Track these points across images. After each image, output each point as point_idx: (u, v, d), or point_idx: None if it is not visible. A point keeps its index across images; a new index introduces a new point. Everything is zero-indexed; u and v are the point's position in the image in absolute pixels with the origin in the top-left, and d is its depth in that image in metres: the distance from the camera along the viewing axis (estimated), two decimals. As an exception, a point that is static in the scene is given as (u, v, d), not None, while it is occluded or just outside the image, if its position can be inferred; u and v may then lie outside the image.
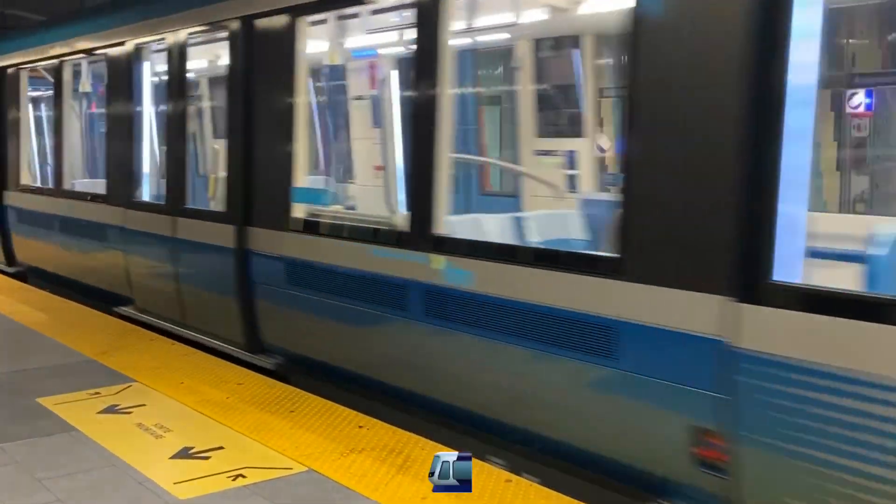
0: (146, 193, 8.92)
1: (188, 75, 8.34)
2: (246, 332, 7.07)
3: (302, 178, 6.68)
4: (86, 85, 11.28)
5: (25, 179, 12.03)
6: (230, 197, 7.28)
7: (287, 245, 6.58)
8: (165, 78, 8.47)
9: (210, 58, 9.54)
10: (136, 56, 8.86)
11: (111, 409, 5.68)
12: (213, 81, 11.01)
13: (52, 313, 8.85)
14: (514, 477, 4.50)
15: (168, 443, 5.06)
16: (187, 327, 7.88)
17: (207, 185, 10.14)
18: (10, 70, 12.27)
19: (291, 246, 6.55)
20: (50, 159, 12.54)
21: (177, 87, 8.22)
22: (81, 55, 10.44)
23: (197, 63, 9.24)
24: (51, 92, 11.68)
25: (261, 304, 6.95)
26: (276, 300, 6.81)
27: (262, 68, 6.97)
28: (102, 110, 11.62)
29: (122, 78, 9.16)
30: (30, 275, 11.67)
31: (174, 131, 8.31)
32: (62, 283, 10.69)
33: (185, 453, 4.90)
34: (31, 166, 12.47)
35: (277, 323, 6.89)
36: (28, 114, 12.56)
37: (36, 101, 13.43)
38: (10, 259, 12.29)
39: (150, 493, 4.38)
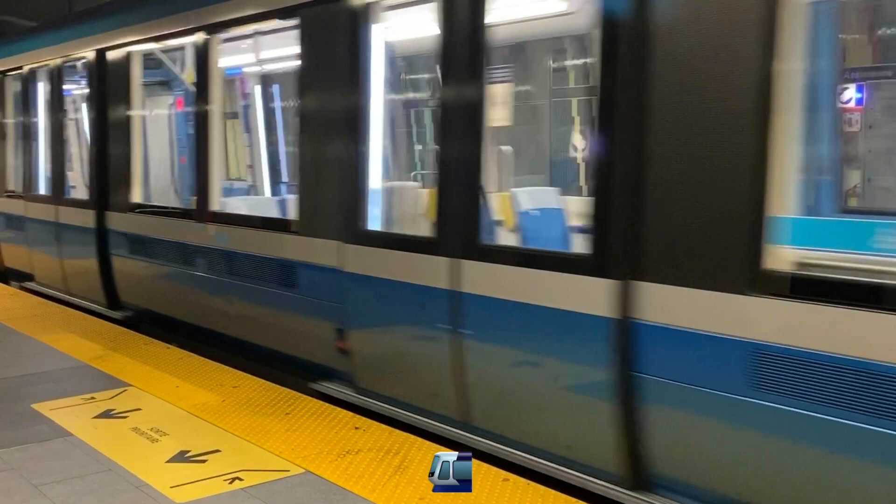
0: (379, 220, 5.90)
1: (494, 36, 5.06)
2: None
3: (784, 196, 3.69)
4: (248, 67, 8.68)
5: (138, 196, 8.89)
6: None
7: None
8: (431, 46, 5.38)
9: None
10: (365, 15, 5.73)
11: (106, 414, 5.66)
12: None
13: (44, 318, 8.83)
14: (511, 476, 4.50)
15: (164, 447, 5.05)
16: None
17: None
18: (113, 52, 9.01)
19: None
20: (171, 169, 10.15)
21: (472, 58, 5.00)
22: (245, 24, 7.26)
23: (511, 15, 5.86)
24: (176, 78, 9.38)
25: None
26: None
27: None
28: (279, 102, 9.70)
29: (328, 53, 6.05)
30: (144, 322, 8.79)
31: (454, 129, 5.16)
32: (200, 336, 7.80)
33: (181, 457, 4.89)
34: (146, 178, 9.45)
35: None
36: (143, 109, 9.30)
37: (157, 91, 10.44)
38: (114, 300, 9.23)
39: (147, 498, 4.37)
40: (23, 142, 11.46)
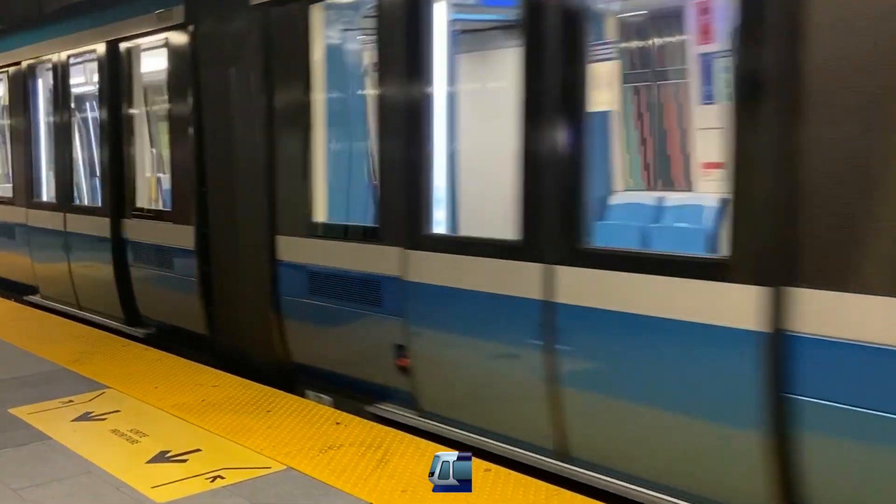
0: None
1: None
2: None
3: None
4: None
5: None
6: None
7: None
8: None
9: None
10: None
11: (85, 417, 5.63)
12: None
13: (20, 322, 8.75)
14: (493, 466, 4.52)
15: (144, 447, 5.03)
16: None
17: None
18: None
19: None
20: None
21: None
22: None
23: None
24: None
25: None
26: None
27: None
28: None
29: None
30: None
31: None
32: None
33: (161, 457, 4.87)
34: None
35: None
36: None
37: None
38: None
39: (127, 499, 4.35)
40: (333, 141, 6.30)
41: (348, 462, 4.68)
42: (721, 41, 5.78)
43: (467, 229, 5.54)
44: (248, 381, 6.31)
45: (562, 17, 4.41)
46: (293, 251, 6.32)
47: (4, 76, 11.08)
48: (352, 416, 5.44)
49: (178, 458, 4.83)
